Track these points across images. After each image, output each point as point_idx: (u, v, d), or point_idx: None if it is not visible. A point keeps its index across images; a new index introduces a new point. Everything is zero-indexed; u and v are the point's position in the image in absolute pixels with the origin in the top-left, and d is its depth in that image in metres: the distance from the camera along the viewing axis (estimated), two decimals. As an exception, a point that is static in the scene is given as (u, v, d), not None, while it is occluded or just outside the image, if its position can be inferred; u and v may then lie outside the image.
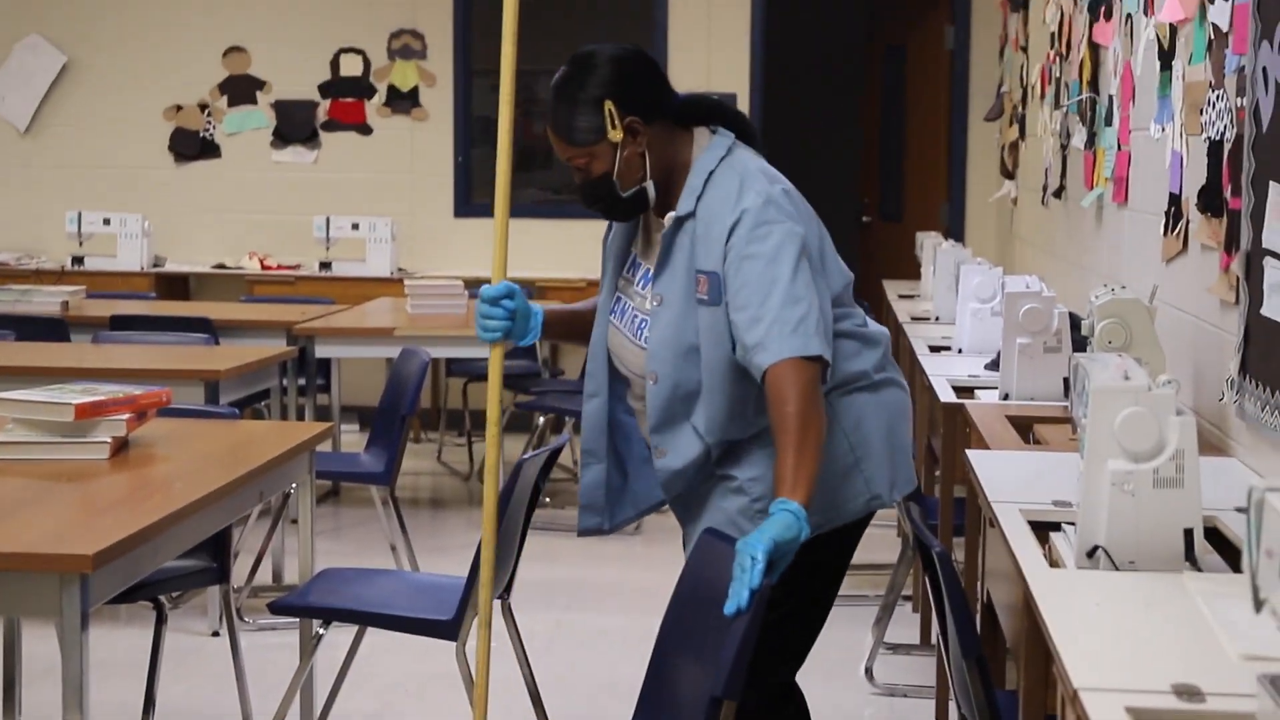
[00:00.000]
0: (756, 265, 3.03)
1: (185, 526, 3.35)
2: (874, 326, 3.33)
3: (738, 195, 3.10)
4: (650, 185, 3.18)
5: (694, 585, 2.91)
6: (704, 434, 3.18)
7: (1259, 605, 1.88)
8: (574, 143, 3.16)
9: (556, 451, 4.21)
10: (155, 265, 9.78)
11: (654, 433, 3.24)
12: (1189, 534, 2.72)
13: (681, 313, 3.15)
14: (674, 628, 2.93)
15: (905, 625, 5.65)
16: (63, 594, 2.88)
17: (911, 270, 9.11)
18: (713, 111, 3.26)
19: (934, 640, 5.40)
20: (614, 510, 3.43)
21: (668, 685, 2.89)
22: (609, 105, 3.11)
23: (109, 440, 3.76)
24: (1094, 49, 5.93)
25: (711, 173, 3.15)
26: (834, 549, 3.24)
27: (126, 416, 3.81)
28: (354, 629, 4.29)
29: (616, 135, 3.12)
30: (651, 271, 3.24)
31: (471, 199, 10.14)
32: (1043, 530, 3.07)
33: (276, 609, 4.05)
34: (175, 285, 9.84)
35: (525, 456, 3.96)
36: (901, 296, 8.37)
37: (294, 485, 4.26)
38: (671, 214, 3.17)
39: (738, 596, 2.64)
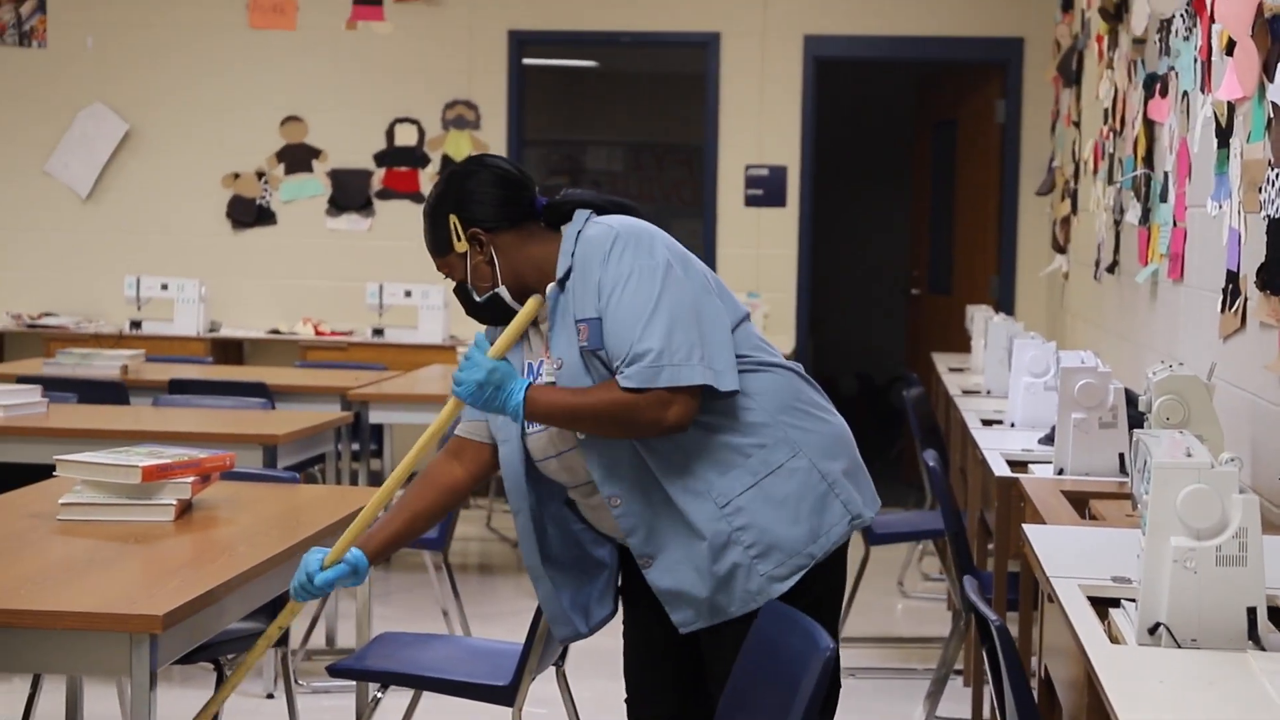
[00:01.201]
0: (620, 296, 3.14)
1: (250, 589, 3.40)
2: (784, 363, 3.35)
3: (608, 238, 3.20)
4: (503, 290, 3.29)
5: (756, 653, 2.92)
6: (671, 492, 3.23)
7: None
8: (433, 254, 3.36)
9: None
10: (211, 330, 9.88)
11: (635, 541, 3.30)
12: (1252, 612, 2.72)
13: (581, 368, 3.21)
14: (735, 695, 2.94)
15: (956, 700, 5.64)
16: (132, 654, 2.92)
17: (960, 343, 9.13)
18: (582, 206, 3.33)
19: (985, 715, 5.39)
20: (587, 612, 3.44)
21: (730, 754, 2.90)
22: (453, 219, 3.28)
23: (174, 503, 3.81)
24: (1149, 125, 5.96)
25: (580, 232, 3.26)
26: (828, 581, 3.30)
27: (191, 479, 3.87)
28: (409, 694, 4.31)
29: (461, 246, 3.28)
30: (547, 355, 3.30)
31: (523, 267, 10.19)
32: (1101, 606, 3.07)
33: (336, 672, 4.07)
34: (230, 350, 9.94)
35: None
36: (951, 369, 8.38)
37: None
38: (552, 284, 3.26)
39: None
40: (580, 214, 3.31)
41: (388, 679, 4.04)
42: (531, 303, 3.28)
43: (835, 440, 3.32)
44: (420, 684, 4.09)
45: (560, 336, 3.25)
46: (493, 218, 3.28)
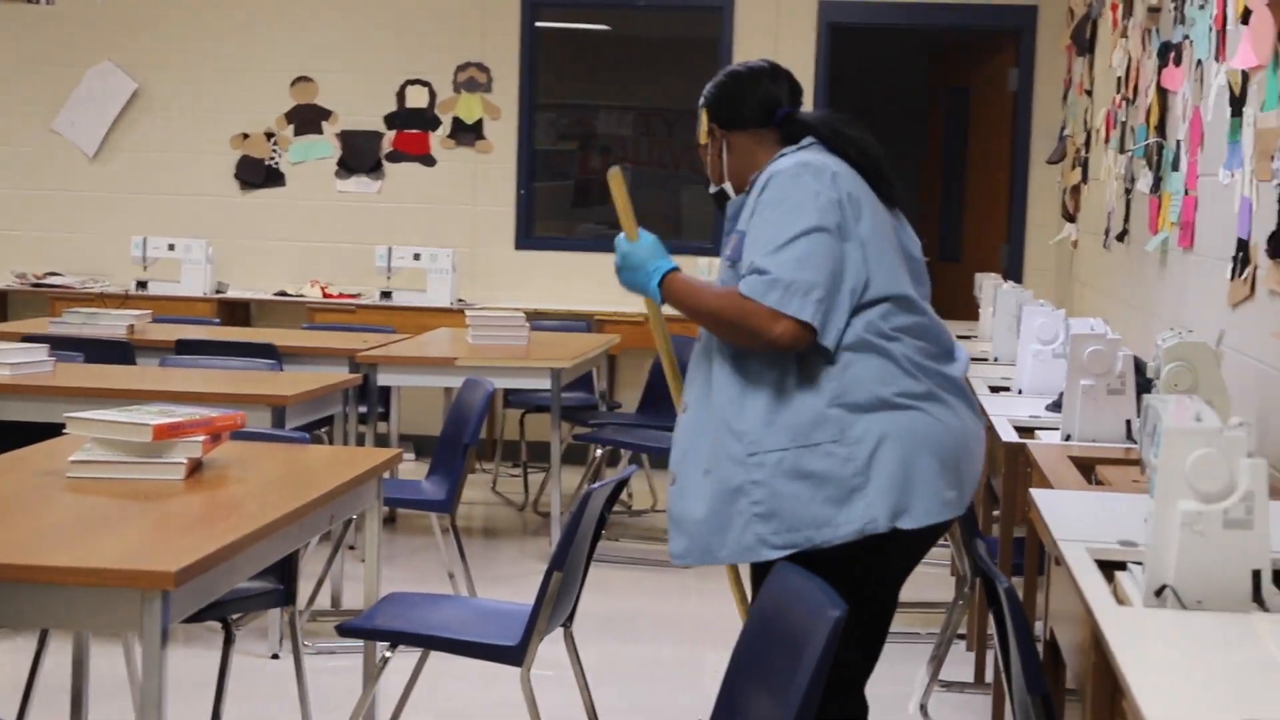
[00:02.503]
0: (764, 216, 3.32)
1: (261, 548, 3.40)
2: (922, 358, 3.37)
3: (792, 168, 3.36)
4: (728, 186, 3.55)
5: (766, 616, 2.93)
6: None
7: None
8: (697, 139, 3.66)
9: (623, 483, 4.23)
10: (218, 291, 9.90)
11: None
12: (1257, 575, 2.73)
13: (731, 275, 3.42)
14: (745, 658, 2.95)
15: (958, 663, 5.65)
16: (144, 610, 2.92)
17: (969, 311, 9.12)
18: (809, 129, 3.48)
19: (988, 678, 5.41)
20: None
21: (738, 716, 2.91)
22: (704, 113, 3.60)
23: (185, 461, 3.81)
24: (1162, 94, 5.95)
25: (776, 162, 3.43)
26: (827, 568, 3.00)
27: (202, 438, 3.87)
28: (414, 656, 4.33)
29: (704, 138, 3.59)
30: None
31: (532, 231, 10.21)
32: (1108, 569, 3.08)
33: (345, 631, 4.07)
34: (237, 311, 9.95)
35: (594, 486, 3.99)
36: (960, 337, 8.35)
37: (362, 511, 4.30)
38: (739, 195, 3.50)
39: None
40: (805, 141, 3.46)
41: (396, 638, 4.03)
42: (613, 180, 3.70)
43: (904, 441, 3.30)
44: (429, 643, 4.10)
45: (727, 242, 3.47)
46: (727, 119, 3.54)
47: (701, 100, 3.61)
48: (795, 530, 3.27)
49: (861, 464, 3.27)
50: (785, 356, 3.30)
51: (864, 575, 3.34)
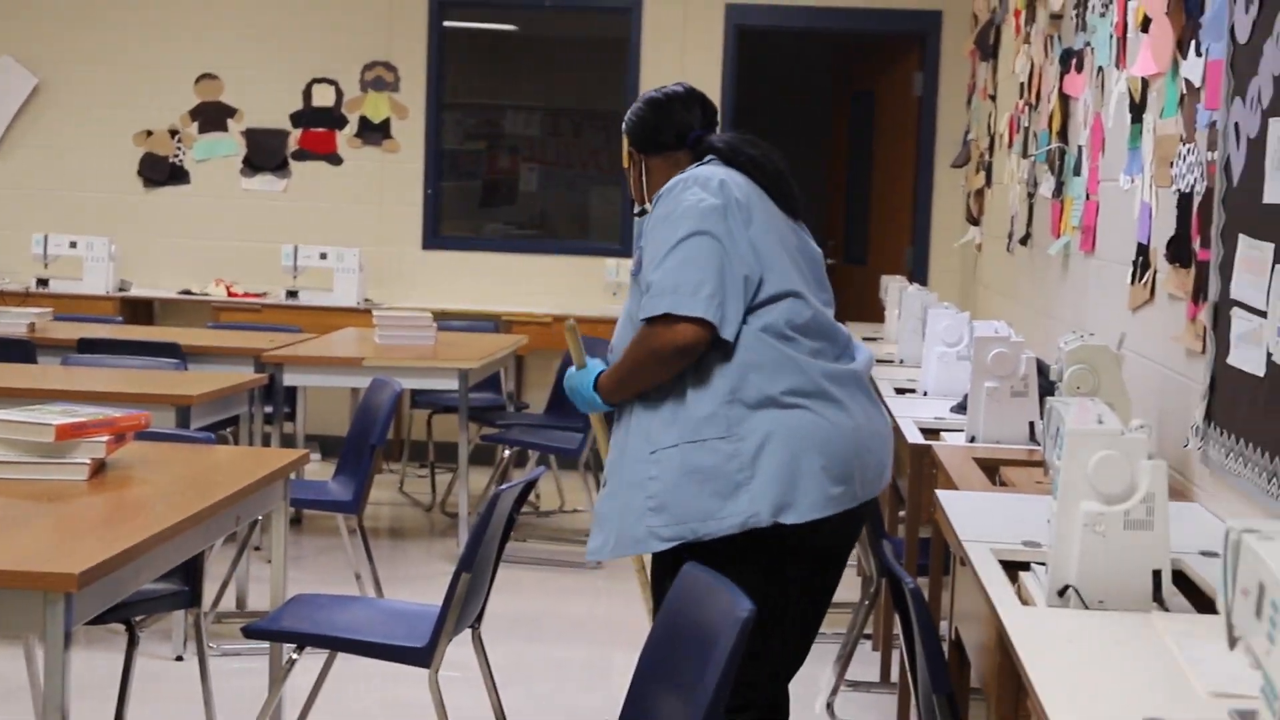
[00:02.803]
0: (650, 235, 3.49)
1: (166, 549, 3.37)
2: (816, 357, 3.49)
3: (681, 180, 3.54)
4: (649, 205, 3.63)
5: (674, 616, 2.95)
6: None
7: (1233, 643, 1.93)
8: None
9: (531, 484, 4.24)
10: (121, 289, 9.79)
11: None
12: (1157, 575, 2.78)
13: (636, 291, 3.57)
14: (653, 658, 2.97)
15: (864, 663, 5.70)
16: (46, 613, 2.89)
17: (875, 313, 9.19)
18: (713, 149, 3.65)
19: (893, 678, 5.46)
20: None
21: (647, 717, 2.92)
22: (625, 139, 3.78)
23: (88, 462, 3.78)
24: (1064, 100, 6.03)
25: (670, 186, 3.56)
26: (711, 561, 3.03)
27: (106, 439, 3.83)
28: (321, 658, 4.31)
29: (626, 162, 3.79)
30: None
31: (439, 231, 10.19)
32: (1012, 570, 3.12)
33: (250, 633, 4.03)
34: (140, 310, 9.85)
35: (502, 488, 3.99)
36: (865, 339, 8.41)
37: (268, 512, 4.27)
38: (640, 213, 3.70)
39: None
40: (707, 159, 3.65)
41: (303, 640, 4.01)
42: (568, 333, 3.81)
43: (789, 438, 3.40)
44: (336, 645, 4.07)
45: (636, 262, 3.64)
46: (644, 144, 3.74)
47: (623, 126, 3.79)
48: (682, 523, 3.40)
49: (746, 459, 3.38)
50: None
51: (753, 570, 3.40)
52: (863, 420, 3.51)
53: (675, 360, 3.40)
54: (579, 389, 3.66)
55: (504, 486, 3.99)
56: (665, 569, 3.47)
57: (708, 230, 3.42)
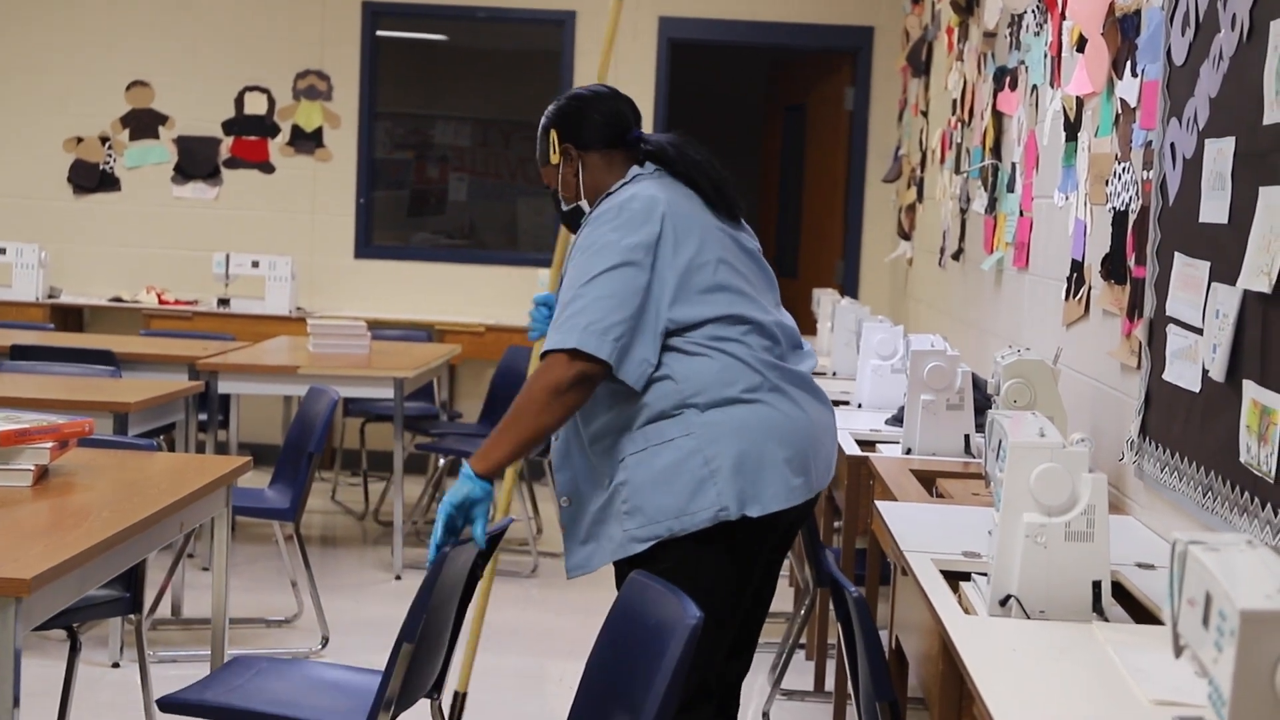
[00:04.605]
0: (576, 258, 3.48)
1: (113, 555, 3.37)
2: (766, 355, 3.52)
3: (619, 200, 3.51)
4: (584, 204, 3.67)
5: (622, 624, 2.98)
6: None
7: (1179, 652, 1.99)
8: (539, 162, 3.77)
9: (498, 535, 3.67)
10: (50, 296, 9.72)
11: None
12: (1097, 586, 2.84)
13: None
14: (601, 666, 3.00)
15: (798, 672, 5.76)
16: (-4, 618, 2.90)
17: (806, 326, 9.25)
18: (655, 151, 3.64)
19: (828, 687, 5.51)
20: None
21: (596, 720, 2.95)
22: (553, 134, 3.69)
23: (32, 468, 3.77)
24: (998, 117, 6.11)
25: (610, 193, 3.58)
26: (689, 557, 3.43)
27: (50, 445, 3.83)
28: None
29: (555, 158, 3.70)
30: None
31: (372, 240, 10.18)
32: (952, 580, 3.18)
33: (167, 706, 3.61)
34: (70, 317, 9.79)
35: (451, 545, 3.42)
36: (797, 351, 8.48)
37: (210, 519, 4.28)
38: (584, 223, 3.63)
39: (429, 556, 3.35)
40: (648, 166, 3.63)
41: (225, 716, 3.57)
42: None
43: (747, 434, 3.45)
44: None
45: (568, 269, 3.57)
46: (577, 138, 3.67)
47: (545, 121, 3.71)
48: (656, 522, 3.44)
49: (710, 455, 3.43)
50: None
51: (722, 554, 3.48)
52: (815, 414, 3.57)
53: (574, 390, 3.38)
54: (461, 498, 3.40)
55: (453, 544, 3.43)
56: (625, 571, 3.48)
57: (633, 261, 3.40)
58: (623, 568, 3.50)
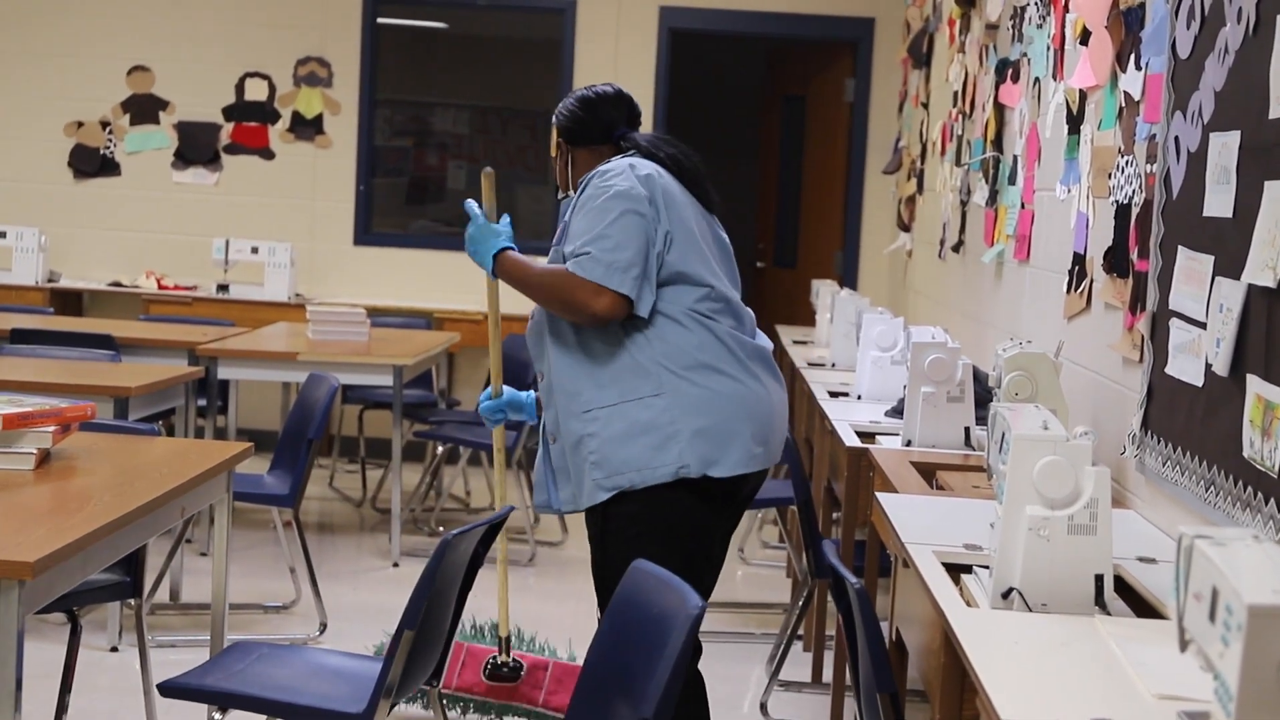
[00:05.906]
0: (587, 206, 3.78)
1: (115, 539, 3.38)
2: (737, 333, 3.85)
3: (612, 168, 3.85)
4: (573, 193, 3.97)
5: (624, 612, 2.98)
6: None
7: (1184, 646, 2.00)
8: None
9: (498, 524, 3.78)
10: (50, 280, 9.72)
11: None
12: (1099, 579, 2.85)
13: (560, 260, 3.84)
14: (602, 655, 3.00)
15: (796, 663, 5.76)
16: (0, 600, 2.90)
17: (805, 317, 9.27)
18: (635, 146, 4.00)
19: (825, 679, 5.52)
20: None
21: (598, 710, 2.96)
22: (555, 130, 4.10)
23: (35, 452, 3.77)
24: (999, 109, 6.11)
25: (602, 170, 3.88)
26: (648, 505, 3.74)
27: (53, 429, 3.83)
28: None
29: (554, 151, 4.11)
30: None
31: (371, 228, 10.18)
32: (953, 572, 3.18)
33: (168, 691, 3.61)
34: (70, 301, 9.78)
35: (453, 534, 3.52)
36: (796, 342, 8.49)
37: (210, 504, 4.28)
38: (568, 193, 4.04)
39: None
40: (630, 153, 3.95)
41: (225, 701, 3.59)
42: (485, 178, 4.26)
43: (717, 402, 3.75)
44: (262, 707, 3.61)
45: (557, 233, 3.95)
46: (572, 136, 4.05)
47: (554, 119, 4.11)
48: (620, 474, 3.73)
49: (678, 414, 3.72)
50: (610, 329, 3.76)
51: (679, 510, 3.75)
52: (774, 392, 3.88)
53: (587, 320, 3.73)
54: (480, 245, 4.02)
55: (453, 533, 3.51)
56: (596, 516, 3.83)
57: (638, 212, 3.74)
58: (595, 513, 3.82)
